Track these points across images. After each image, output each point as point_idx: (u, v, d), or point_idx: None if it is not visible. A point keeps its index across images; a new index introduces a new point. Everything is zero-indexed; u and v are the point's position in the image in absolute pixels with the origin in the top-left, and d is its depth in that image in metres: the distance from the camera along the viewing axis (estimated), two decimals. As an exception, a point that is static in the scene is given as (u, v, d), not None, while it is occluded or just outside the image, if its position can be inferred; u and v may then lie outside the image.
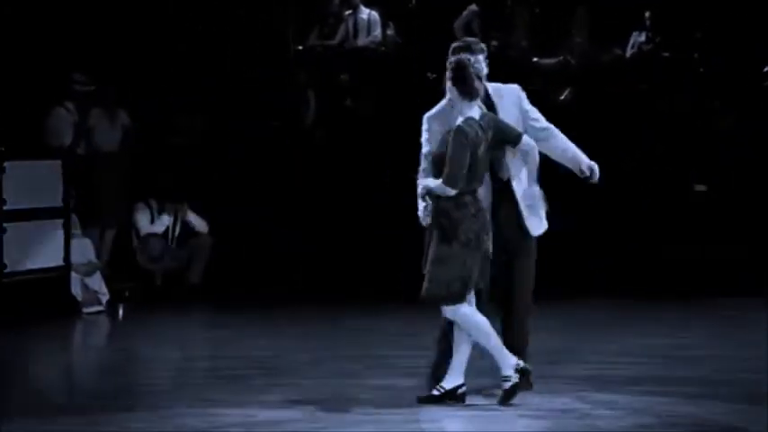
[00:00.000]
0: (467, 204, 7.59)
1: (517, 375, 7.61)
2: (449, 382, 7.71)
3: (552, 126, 8.09)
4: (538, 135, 7.96)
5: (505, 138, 7.80)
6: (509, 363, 7.61)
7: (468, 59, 7.71)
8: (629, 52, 17.64)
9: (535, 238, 8.00)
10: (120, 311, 13.39)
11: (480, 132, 7.63)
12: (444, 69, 7.88)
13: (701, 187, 16.47)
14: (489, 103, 7.91)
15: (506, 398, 7.64)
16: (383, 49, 17.41)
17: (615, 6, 17.57)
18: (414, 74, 17.03)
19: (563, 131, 8.22)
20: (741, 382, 8.62)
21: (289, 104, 16.73)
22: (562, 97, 16.55)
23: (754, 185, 16.08)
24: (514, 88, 8.11)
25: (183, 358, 10.19)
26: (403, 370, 9.10)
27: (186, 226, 14.96)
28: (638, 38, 17.59)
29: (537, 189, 7.98)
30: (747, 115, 16.75)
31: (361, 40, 17.36)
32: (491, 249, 7.68)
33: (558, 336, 10.35)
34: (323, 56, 17.42)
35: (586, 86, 16.86)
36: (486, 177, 7.78)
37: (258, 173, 16.14)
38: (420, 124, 16.37)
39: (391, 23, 17.59)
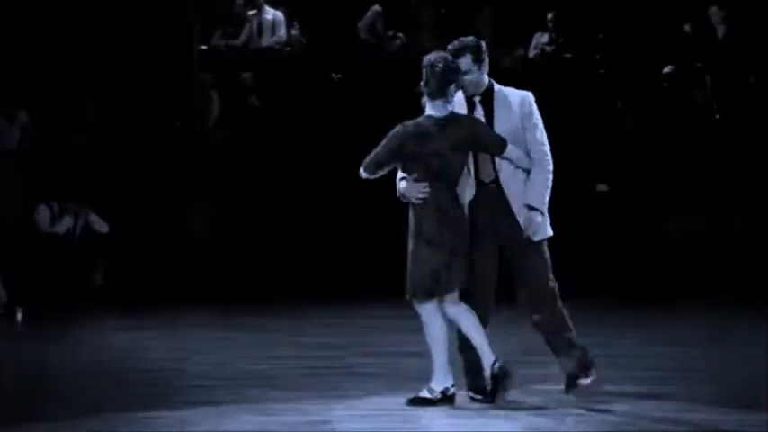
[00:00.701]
0: (428, 201, 7.45)
1: (440, 395, 7.49)
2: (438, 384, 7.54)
3: (541, 157, 7.58)
4: None
5: (482, 146, 7.53)
6: (442, 381, 7.51)
7: (430, 59, 7.54)
8: (531, 53, 17.66)
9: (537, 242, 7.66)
10: (19, 314, 13.11)
11: (435, 131, 7.49)
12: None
13: (602, 187, 16.52)
14: (489, 105, 7.63)
15: (414, 402, 7.53)
16: (288, 49, 17.26)
17: (518, 7, 17.60)
18: (318, 74, 16.92)
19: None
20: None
21: (192, 104, 16.54)
22: (467, 97, 16.47)
23: (655, 185, 16.18)
24: (523, 96, 7.63)
25: (82, 361, 9.91)
26: (306, 371, 8.99)
27: (88, 227, 14.78)
28: (541, 39, 17.62)
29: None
30: (649, 116, 16.86)
31: (266, 41, 17.19)
32: (463, 249, 7.49)
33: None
34: (227, 56, 17.23)
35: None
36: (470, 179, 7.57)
37: (159, 173, 15.90)
38: (325, 123, 16.24)
39: (296, 24, 17.43)
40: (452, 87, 7.49)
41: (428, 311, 7.52)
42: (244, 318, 12.81)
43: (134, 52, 16.40)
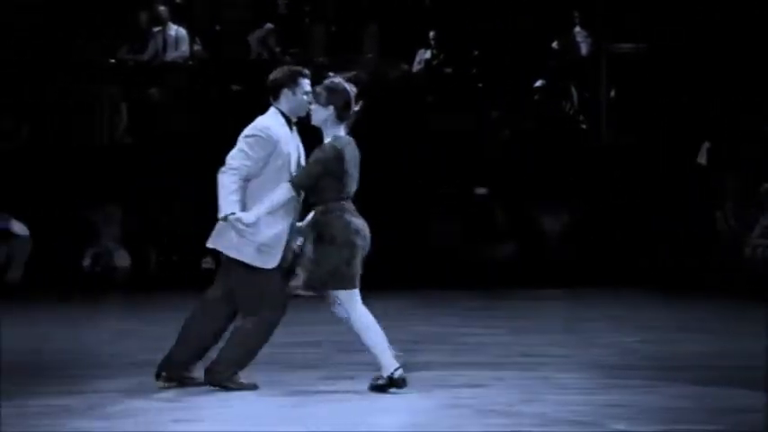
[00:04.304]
0: (342, 211, 7.49)
1: (387, 380, 7.41)
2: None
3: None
4: None
5: None
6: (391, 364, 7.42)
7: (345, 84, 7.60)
8: (415, 68, 17.81)
9: None
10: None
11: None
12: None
13: (481, 190, 16.72)
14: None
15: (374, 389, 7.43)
16: (191, 63, 17.23)
17: (402, 25, 17.74)
18: (219, 86, 16.93)
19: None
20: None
21: (101, 117, 16.48)
22: (356, 109, 16.56)
23: (529, 188, 16.46)
24: None
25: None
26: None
27: (7, 230, 14.74)
28: (424, 55, 17.77)
29: None
30: (522, 125, 17.13)
31: (170, 55, 17.15)
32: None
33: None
34: (134, 70, 17.17)
35: (377, 99, 16.97)
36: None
37: (71, 180, 15.85)
38: (231, 132, 15.99)
39: (198, 39, 17.42)
40: None
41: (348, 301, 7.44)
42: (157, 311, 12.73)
43: (47, 66, 16.29)
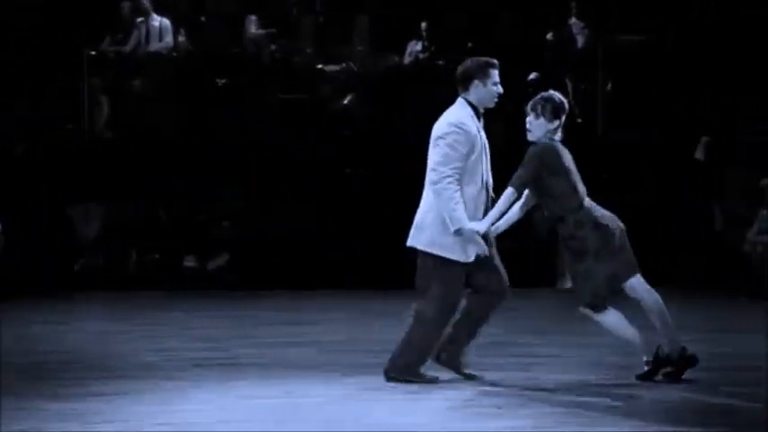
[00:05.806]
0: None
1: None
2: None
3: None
4: None
5: None
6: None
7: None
8: (406, 60, 17.77)
9: None
10: None
11: None
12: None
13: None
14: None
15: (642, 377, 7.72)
16: (175, 54, 17.18)
17: (393, 16, 17.71)
18: (203, 79, 16.89)
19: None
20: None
21: (81, 108, 16.45)
22: (345, 102, 16.59)
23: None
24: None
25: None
26: (192, 361, 8.94)
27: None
28: (415, 47, 17.73)
29: None
30: (515, 119, 17.08)
31: (154, 46, 17.08)
32: None
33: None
34: (115, 61, 17.10)
35: (367, 92, 16.91)
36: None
37: (50, 175, 15.75)
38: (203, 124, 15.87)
39: (182, 30, 17.36)
40: None
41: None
42: (136, 311, 12.73)
43: (25, 58, 16.23)
